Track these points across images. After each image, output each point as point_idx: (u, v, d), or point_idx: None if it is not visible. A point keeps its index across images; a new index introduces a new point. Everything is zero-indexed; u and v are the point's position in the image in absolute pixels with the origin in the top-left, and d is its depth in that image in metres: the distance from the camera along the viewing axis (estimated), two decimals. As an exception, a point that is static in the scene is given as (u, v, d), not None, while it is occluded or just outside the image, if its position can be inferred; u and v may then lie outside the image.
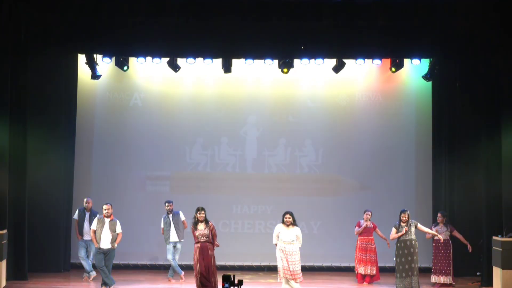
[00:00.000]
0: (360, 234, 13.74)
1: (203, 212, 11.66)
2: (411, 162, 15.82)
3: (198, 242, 11.61)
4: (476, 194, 14.25)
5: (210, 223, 11.69)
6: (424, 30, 13.88)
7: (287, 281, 11.75)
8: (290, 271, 11.67)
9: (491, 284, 12.77)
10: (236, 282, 7.96)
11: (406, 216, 12.43)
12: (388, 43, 14.14)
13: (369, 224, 13.74)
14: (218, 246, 11.88)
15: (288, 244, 11.72)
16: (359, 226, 13.76)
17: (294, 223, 11.80)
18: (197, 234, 11.58)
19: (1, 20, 13.06)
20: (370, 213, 13.78)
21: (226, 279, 7.92)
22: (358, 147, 15.85)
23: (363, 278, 13.76)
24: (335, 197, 15.78)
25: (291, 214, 11.81)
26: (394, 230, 12.48)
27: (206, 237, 11.59)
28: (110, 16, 13.64)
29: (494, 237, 12.65)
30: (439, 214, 13.53)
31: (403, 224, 12.40)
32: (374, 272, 13.71)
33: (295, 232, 11.79)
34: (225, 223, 15.76)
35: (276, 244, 11.85)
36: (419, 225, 12.57)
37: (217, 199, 15.70)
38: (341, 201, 15.70)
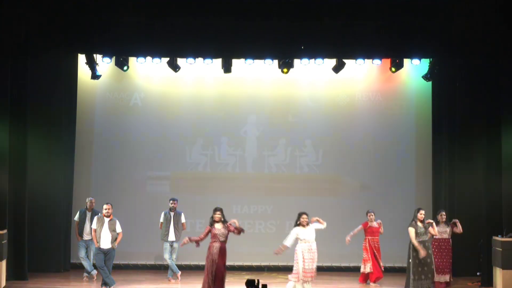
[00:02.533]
0: (369, 234, 13.58)
1: (218, 212, 11.52)
2: (411, 162, 15.82)
3: (216, 241, 11.40)
4: (476, 194, 14.25)
5: (227, 223, 11.54)
6: (424, 30, 13.89)
7: (303, 283, 11.73)
8: (311, 271, 11.71)
9: (491, 284, 12.77)
10: (260, 286, 7.81)
11: (423, 213, 12.16)
12: (388, 43, 14.14)
13: (374, 224, 13.61)
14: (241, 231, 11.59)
15: (313, 243, 11.80)
16: (366, 226, 13.59)
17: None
18: (217, 233, 11.39)
19: (1, 20, 13.07)
20: (373, 214, 13.66)
21: (250, 283, 7.77)
22: (358, 147, 15.85)
23: (366, 277, 13.64)
24: (335, 197, 15.78)
25: (307, 214, 11.87)
26: (412, 230, 12.05)
27: (225, 237, 11.45)
28: (110, 16, 13.66)
29: (494, 237, 12.65)
30: (442, 213, 13.13)
31: (420, 224, 12.09)
32: (381, 271, 13.58)
33: (313, 228, 11.88)
34: (225, 223, 15.73)
35: (286, 246, 11.77)
36: (430, 228, 12.35)
37: (217, 199, 15.62)
38: (341, 201, 15.69)
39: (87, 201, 13.98)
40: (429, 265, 12.04)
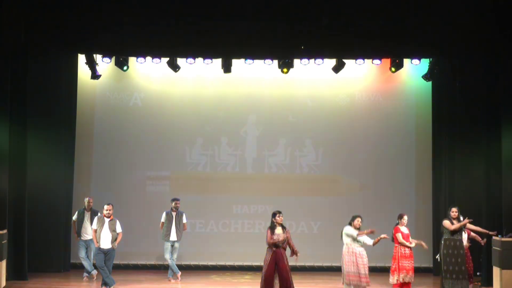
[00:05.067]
0: (397, 240, 12.48)
1: (281, 215, 11.34)
2: (411, 162, 15.82)
3: (274, 246, 11.23)
4: (476, 194, 14.23)
5: (286, 229, 11.38)
6: (424, 30, 13.88)
7: (349, 286, 11.65)
8: (359, 275, 11.56)
9: (491, 284, 12.76)
10: None
11: (455, 211, 11.94)
12: (388, 43, 14.14)
13: (405, 229, 12.53)
14: (298, 253, 11.36)
15: (357, 247, 11.70)
16: (399, 231, 12.39)
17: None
18: (275, 238, 11.20)
19: (1, 20, 13.07)
20: (406, 217, 12.61)
21: None
22: (358, 147, 15.85)
23: (402, 286, 12.43)
24: (335, 197, 15.77)
25: (361, 217, 11.81)
26: (447, 221, 11.88)
27: (282, 243, 11.24)
28: (110, 16, 13.66)
29: (494, 237, 12.64)
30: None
31: (454, 222, 11.92)
32: (413, 280, 12.42)
33: (363, 236, 11.83)
34: (225, 223, 15.75)
35: (348, 244, 11.69)
36: (468, 225, 12.20)
37: (217, 199, 15.71)
38: (341, 201, 15.68)
39: (85, 200, 14.00)
40: (459, 265, 11.85)
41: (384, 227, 13.78)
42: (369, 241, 11.82)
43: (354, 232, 11.73)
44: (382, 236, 11.85)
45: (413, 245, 12.39)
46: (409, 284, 12.54)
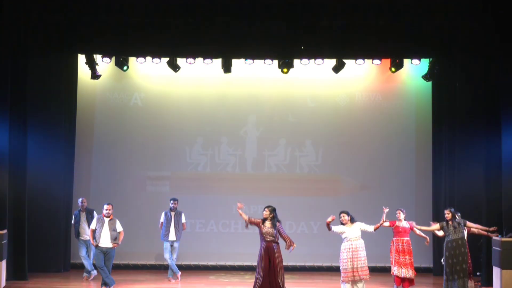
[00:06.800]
0: (396, 234, 12.74)
1: (267, 209, 11.31)
2: (411, 162, 15.82)
3: (264, 241, 11.20)
4: (476, 194, 14.23)
5: (278, 224, 11.26)
6: (424, 30, 13.88)
7: (353, 283, 11.54)
8: (355, 269, 11.46)
9: (491, 284, 12.77)
10: None
11: (447, 212, 12.06)
12: (388, 43, 14.14)
13: (405, 223, 12.78)
14: (294, 246, 11.22)
15: (354, 241, 11.58)
16: (393, 225, 12.66)
17: (352, 220, 11.70)
18: (263, 231, 11.20)
19: (1, 20, 13.08)
20: (400, 212, 12.79)
21: None
22: (358, 147, 15.85)
23: (401, 281, 12.64)
24: (335, 197, 15.77)
25: (346, 213, 11.71)
26: (437, 224, 12.17)
27: (272, 236, 11.18)
28: (110, 16, 13.67)
29: (494, 237, 12.64)
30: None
31: (449, 223, 11.99)
32: (412, 276, 12.60)
33: (358, 227, 11.69)
34: (225, 223, 15.75)
35: (330, 228, 11.59)
36: (468, 223, 12.24)
37: (217, 199, 15.71)
38: (341, 201, 15.66)
39: (78, 201, 14.01)
40: (460, 264, 11.92)
41: (383, 228, 13.81)
42: (369, 228, 11.79)
43: (337, 229, 11.66)
44: (383, 219, 11.86)
45: (386, 211, 12.21)
46: (411, 281, 12.64)
